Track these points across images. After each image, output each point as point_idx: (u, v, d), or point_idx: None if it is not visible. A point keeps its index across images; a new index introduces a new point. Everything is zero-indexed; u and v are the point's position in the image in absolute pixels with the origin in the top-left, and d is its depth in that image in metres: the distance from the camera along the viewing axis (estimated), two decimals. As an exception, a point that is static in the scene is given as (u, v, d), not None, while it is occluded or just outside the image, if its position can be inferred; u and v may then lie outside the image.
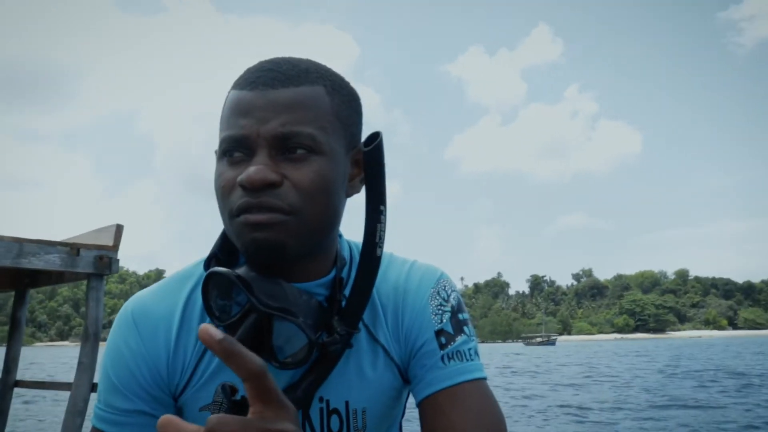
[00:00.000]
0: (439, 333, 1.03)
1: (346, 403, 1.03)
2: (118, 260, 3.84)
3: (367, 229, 0.99)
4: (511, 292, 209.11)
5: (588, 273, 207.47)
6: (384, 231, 1.00)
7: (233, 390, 0.87)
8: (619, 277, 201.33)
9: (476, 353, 1.05)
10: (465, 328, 1.06)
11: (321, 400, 1.02)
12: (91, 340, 3.80)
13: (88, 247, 3.77)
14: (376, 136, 0.99)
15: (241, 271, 0.91)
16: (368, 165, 0.98)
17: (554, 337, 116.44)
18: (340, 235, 1.08)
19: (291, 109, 0.89)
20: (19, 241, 3.56)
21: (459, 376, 1.00)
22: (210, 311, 0.92)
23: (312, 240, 0.93)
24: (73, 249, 3.71)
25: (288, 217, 0.88)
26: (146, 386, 0.99)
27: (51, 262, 3.61)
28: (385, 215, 0.99)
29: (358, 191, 1.01)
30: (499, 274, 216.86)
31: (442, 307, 1.06)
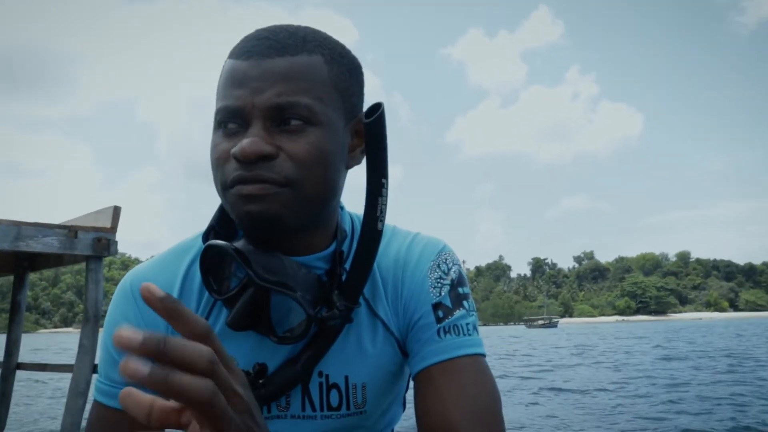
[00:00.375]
0: (436, 306, 1.01)
1: (346, 377, 1.02)
2: (116, 242, 3.85)
3: (368, 203, 0.98)
4: (513, 275, 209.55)
5: (589, 255, 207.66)
6: (385, 205, 0.98)
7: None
8: (620, 259, 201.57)
9: (475, 328, 1.02)
10: (464, 303, 1.04)
11: (320, 374, 1.01)
12: (91, 322, 3.81)
13: (86, 229, 3.77)
14: (377, 108, 0.96)
15: (239, 244, 0.89)
16: (369, 137, 0.96)
17: (556, 320, 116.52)
18: (342, 207, 1.07)
19: (287, 79, 0.86)
20: (17, 224, 3.57)
21: (454, 351, 0.98)
22: (208, 284, 0.91)
23: (309, 212, 0.91)
24: (71, 231, 3.71)
25: (283, 189, 0.86)
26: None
27: (49, 244, 3.61)
28: (386, 188, 0.97)
29: (358, 162, 0.99)
30: (500, 257, 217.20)
31: (442, 280, 1.04)
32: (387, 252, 1.06)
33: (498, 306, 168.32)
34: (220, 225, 0.98)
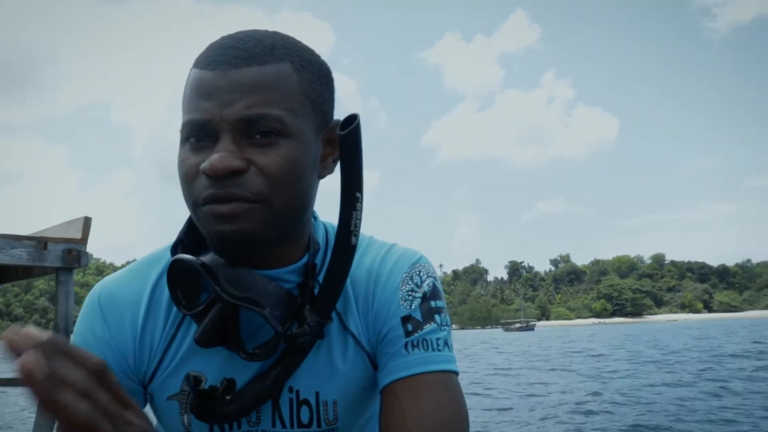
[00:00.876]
0: (406, 319, 0.98)
1: (317, 394, 1.00)
2: (87, 253, 3.79)
3: (342, 217, 0.94)
4: (490, 278, 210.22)
5: (566, 259, 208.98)
6: (360, 219, 0.94)
7: (197, 380, 0.87)
8: (596, 262, 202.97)
9: (446, 344, 0.98)
10: (436, 317, 1.00)
11: (291, 390, 0.99)
12: (61, 335, 3.74)
13: (56, 240, 3.71)
14: (353, 119, 0.91)
15: (207, 258, 0.87)
16: (344, 149, 0.91)
17: (533, 323, 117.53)
18: (316, 218, 1.04)
19: (256, 91, 0.84)
20: (-16, 236, 3.49)
21: (421, 366, 0.95)
22: (176, 299, 0.89)
23: (282, 227, 0.89)
24: (40, 243, 3.65)
25: (255, 205, 0.84)
26: (114, 373, 0.96)
27: (17, 256, 3.55)
28: (361, 202, 0.94)
29: (331, 172, 0.96)
30: (477, 260, 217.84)
31: (413, 293, 1.00)
32: (361, 263, 1.02)
33: (475, 309, 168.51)
34: (189, 238, 0.96)
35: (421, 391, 0.92)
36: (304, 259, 0.97)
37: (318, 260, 1.00)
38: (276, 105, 0.84)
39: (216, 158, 0.81)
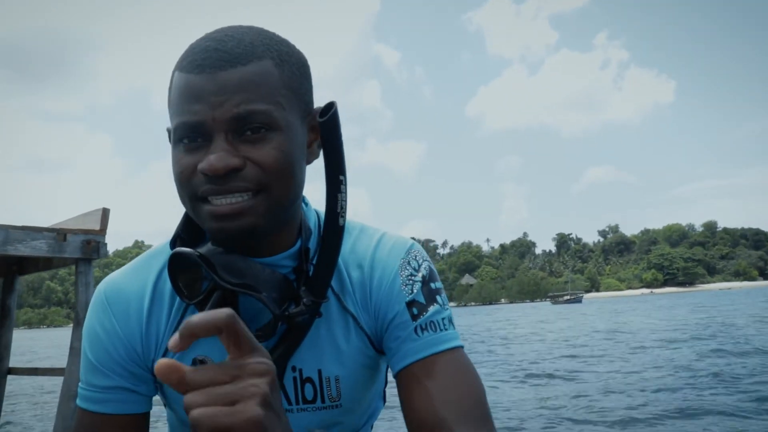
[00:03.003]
0: (410, 304, 1.03)
1: (319, 371, 1.05)
2: (105, 244, 3.84)
3: (329, 200, 1.00)
4: (538, 251, 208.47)
5: (614, 229, 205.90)
6: (345, 200, 1.00)
7: (203, 363, 0.93)
8: (646, 231, 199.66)
9: (450, 322, 1.04)
10: (437, 298, 1.05)
11: (294, 369, 1.04)
12: (82, 325, 3.81)
13: (74, 232, 3.77)
14: (330, 107, 0.96)
15: (204, 249, 0.92)
16: (325, 136, 0.97)
17: (580, 295, 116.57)
18: (307, 203, 1.10)
19: (243, 90, 0.88)
20: (5, 228, 3.56)
21: (434, 347, 1.00)
22: (178, 290, 0.94)
23: (280, 215, 0.94)
24: (59, 235, 3.71)
25: (255, 199, 0.89)
26: (123, 363, 1.02)
27: (38, 248, 3.61)
28: (345, 185, 0.99)
29: (317, 156, 1.01)
30: (524, 234, 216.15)
31: (413, 278, 1.06)
32: (355, 250, 1.08)
33: (524, 283, 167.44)
34: (186, 231, 1.02)
35: (438, 369, 0.99)
36: (298, 245, 1.03)
37: (311, 245, 1.05)
38: (263, 100, 0.88)
39: (214, 158, 0.86)
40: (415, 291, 1.04)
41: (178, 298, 1.02)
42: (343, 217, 1.00)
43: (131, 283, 1.04)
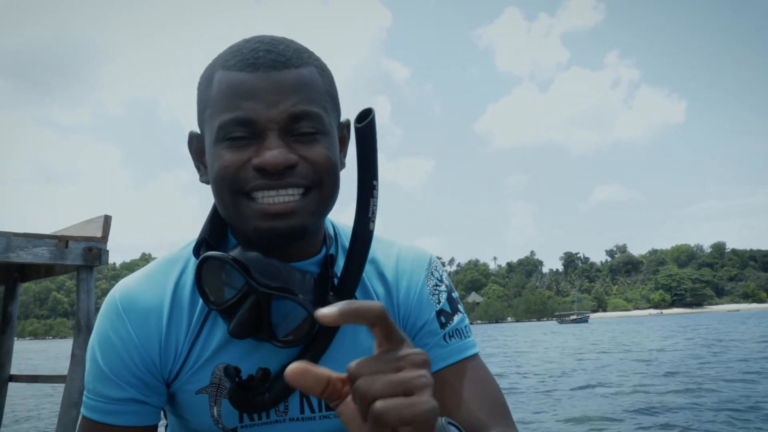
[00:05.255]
0: (439, 313, 1.09)
1: None
2: (107, 251, 3.84)
3: (360, 204, 1.00)
4: (545, 270, 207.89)
5: (622, 249, 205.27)
6: (376, 206, 1.01)
7: (237, 371, 0.94)
8: (654, 252, 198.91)
9: (470, 330, 1.11)
10: (459, 307, 1.12)
11: None
12: (83, 332, 3.80)
13: (76, 239, 3.77)
14: (368, 113, 0.98)
15: (235, 253, 0.93)
16: (361, 141, 0.98)
17: (587, 315, 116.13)
18: None
19: (297, 91, 0.91)
20: (7, 235, 3.56)
21: (461, 353, 1.06)
22: (205, 296, 0.93)
23: (324, 215, 0.98)
24: (61, 242, 3.71)
25: (305, 198, 0.92)
26: (138, 374, 0.99)
27: (40, 255, 3.61)
28: (377, 190, 1.00)
29: (344, 166, 1.04)
30: (532, 252, 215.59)
31: (438, 288, 1.11)
32: (374, 260, 1.11)
33: (530, 302, 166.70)
34: (211, 236, 1.01)
35: (467, 374, 1.05)
36: (323, 252, 1.05)
37: (332, 252, 1.06)
38: (314, 104, 0.92)
39: (273, 154, 0.88)
40: (442, 301, 1.10)
41: (198, 307, 1.01)
42: (374, 222, 1.01)
43: (148, 291, 1.01)
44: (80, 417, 1.02)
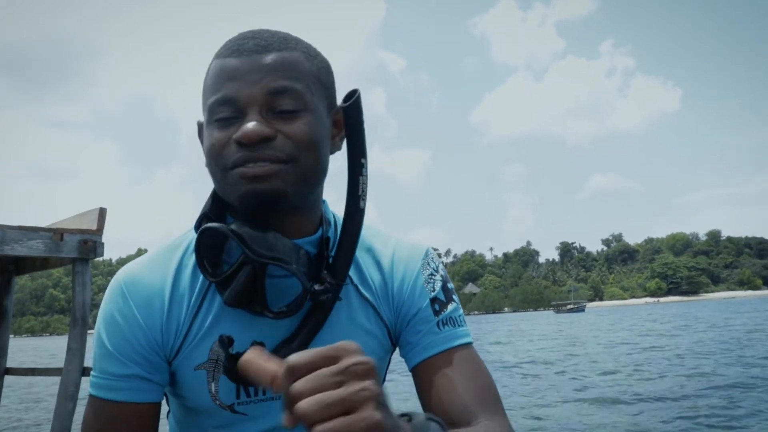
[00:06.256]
0: (433, 301, 1.11)
1: None
2: (102, 244, 3.81)
3: (350, 182, 1.04)
4: (541, 260, 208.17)
5: (618, 238, 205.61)
6: (366, 184, 1.04)
7: (230, 341, 0.95)
8: (649, 240, 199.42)
9: (464, 320, 1.13)
10: (454, 297, 1.14)
11: None
12: (79, 325, 3.78)
13: (71, 231, 3.74)
14: (353, 93, 1.04)
15: (233, 225, 0.95)
16: (348, 120, 1.03)
17: (583, 304, 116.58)
18: (324, 201, 1.12)
19: (277, 70, 0.94)
20: (1, 228, 3.54)
21: (454, 340, 1.08)
22: (203, 268, 0.97)
23: (307, 189, 0.99)
24: (56, 234, 3.68)
25: (286, 166, 0.93)
26: (141, 351, 1.02)
27: (34, 248, 3.59)
28: (366, 168, 1.04)
29: (339, 149, 1.06)
30: (528, 242, 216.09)
31: (433, 277, 1.14)
32: (372, 249, 1.14)
33: (527, 292, 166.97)
34: (213, 212, 1.04)
35: (459, 361, 1.06)
36: (319, 233, 1.07)
37: (330, 235, 1.08)
38: (296, 81, 0.95)
39: (248, 127, 0.91)
40: (436, 289, 1.12)
41: (198, 283, 1.04)
42: (364, 200, 1.04)
43: (151, 274, 1.04)
44: (88, 397, 1.05)
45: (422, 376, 1.07)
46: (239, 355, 0.91)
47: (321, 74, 1.01)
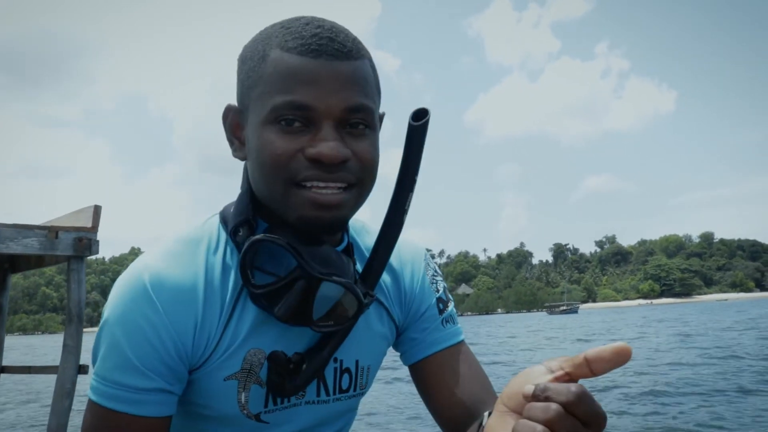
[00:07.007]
0: (438, 300, 1.17)
1: (356, 361, 1.11)
2: (97, 241, 3.82)
3: (398, 196, 1.03)
4: (535, 261, 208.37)
5: (611, 240, 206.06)
6: (411, 200, 1.04)
7: (286, 357, 0.96)
8: (642, 242, 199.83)
9: (457, 317, 1.20)
10: (450, 295, 1.21)
11: (335, 360, 1.08)
12: (75, 323, 3.79)
13: (66, 229, 3.75)
14: (425, 113, 1.01)
15: (283, 237, 0.92)
16: (413, 138, 1.01)
17: (576, 306, 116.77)
18: None
19: (355, 84, 0.91)
20: (-4, 226, 3.54)
21: (456, 337, 1.15)
22: (246, 277, 0.91)
23: (359, 208, 1.00)
24: (51, 232, 3.69)
25: (352, 191, 0.93)
26: (169, 361, 0.93)
27: (29, 246, 3.59)
28: (415, 185, 1.04)
29: None
30: (521, 244, 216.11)
31: (435, 277, 1.20)
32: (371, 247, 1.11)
33: (520, 293, 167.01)
34: (247, 215, 0.99)
35: (462, 356, 1.14)
36: (346, 241, 1.07)
37: (352, 241, 1.11)
38: (369, 98, 0.93)
39: (331, 146, 0.88)
40: (440, 289, 1.19)
41: (229, 290, 0.97)
42: (407, 215, 1.04)
43: (179, 272, 0.94)
44: (88, 403, 0.95)
45: (428, 370, 1.13)
46: (296, 369, 0.95)
47: (379, 85, 1.00)
